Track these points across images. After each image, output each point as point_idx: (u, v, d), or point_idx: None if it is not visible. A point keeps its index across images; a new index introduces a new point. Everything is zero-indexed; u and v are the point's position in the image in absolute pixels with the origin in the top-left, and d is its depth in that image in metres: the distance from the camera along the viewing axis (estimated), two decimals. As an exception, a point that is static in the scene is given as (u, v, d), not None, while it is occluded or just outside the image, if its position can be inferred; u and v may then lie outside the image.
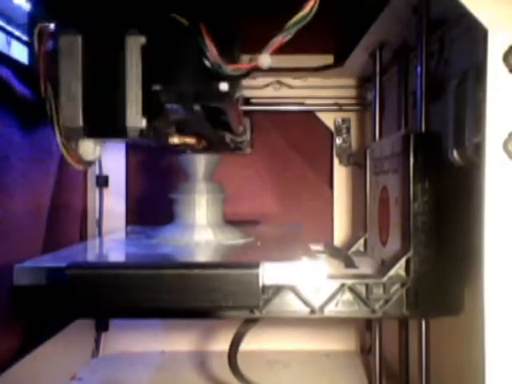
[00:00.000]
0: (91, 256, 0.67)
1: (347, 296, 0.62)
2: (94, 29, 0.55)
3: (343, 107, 1.11)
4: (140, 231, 0.89)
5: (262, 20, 0.63)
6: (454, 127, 0.66)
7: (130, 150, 1.12)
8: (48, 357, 0.86)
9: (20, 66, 0.75)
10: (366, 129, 1.10)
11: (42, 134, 0.84)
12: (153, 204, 1.12)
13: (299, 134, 1.15)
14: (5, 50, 0.71)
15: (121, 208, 1.12)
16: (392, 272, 0.62)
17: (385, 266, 0.66)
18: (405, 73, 0.82)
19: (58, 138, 0.57)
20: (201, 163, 0.78)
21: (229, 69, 0.54)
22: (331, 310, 0.62)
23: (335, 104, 1.11)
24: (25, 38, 0.75)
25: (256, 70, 0.54)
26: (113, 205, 1.10)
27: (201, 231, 0.76)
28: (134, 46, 0.55)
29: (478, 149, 0.53)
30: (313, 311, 0.61)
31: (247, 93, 1.08)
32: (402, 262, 0.62)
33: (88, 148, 0.61)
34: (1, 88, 0.71)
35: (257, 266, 0.55)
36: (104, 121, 0.56)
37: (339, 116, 1.12)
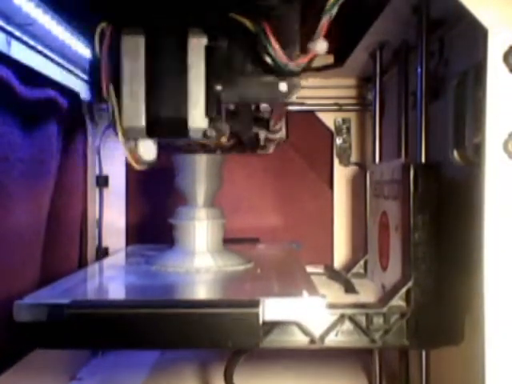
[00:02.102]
0: (91, 289, 0.66)
1: (347, 326, 0.62)
2: (157, 29, 0.55)
3: (343, 107, 1.11)
4: (140, 252, 0.89)
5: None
6: (454, 127, 0.66)
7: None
8: (48, 357, 0.86)
9: (20, 65, 0.75)
10: (366, 129, 1.10)
11: (42, 134, 0.84)
12: (153, 204, 1.12)
13: (299, 134, 1.15)
14: (5, 50, 0.71)
15: (121, 208, 1.12)
16: (392, 302, 0.62)
17: (385, 296, 0.66)
18: (405, 73, 0.82)
19: (120, 138, 0.57)
20: (201, 187, 0.78)
21: (292, 65, 0.54)
22: (331, 339, 0.62)
23: (335, 104, 1.11)
24: (25, 38, 0.75)
25: (313, 60, 0.54)
26: (113, 205, 1.10)
27: (201, 258, 0.76)
28: (197, 46, 0.55)
29: (478, 149, 0.53)
30: (313, 341, 0.61)
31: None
32: (403, 292, 0.62)
33: (147, 148, 0.61)
34: (1, 88, 0.71)
35: (256, 304, 0.54)
36: (167, 121, 0.56)
37: (339, 116, 1.12)
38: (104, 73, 0.56)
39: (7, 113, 0.73)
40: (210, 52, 0.55)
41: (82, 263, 1.02)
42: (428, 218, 0.62)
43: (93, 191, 1.08)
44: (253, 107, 0.62)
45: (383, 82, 0.90)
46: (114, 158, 1.10)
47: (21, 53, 0.75)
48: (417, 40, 0.67)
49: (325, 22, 0.52)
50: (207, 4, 0.56)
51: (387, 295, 0.65)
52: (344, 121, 1.13)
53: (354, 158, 1.13)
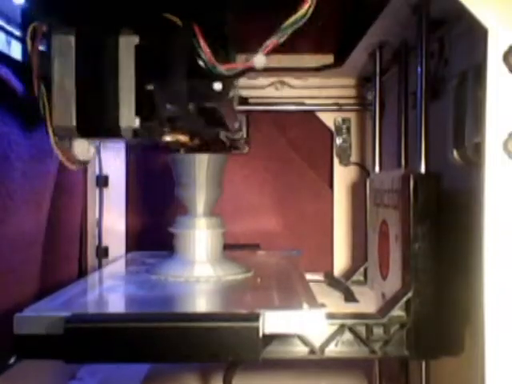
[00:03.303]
0: (91, 300, 0.66)
1: (347, 336, 0.62)
2: (87, 28, 0.55)
3: (343, 107, 1.11)
4: (140, 260, 0.90)
5: (260, 19, 0.63)
6: (454, 127, 0.66)
7: (130, 149, 1.12)
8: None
9: (20, 65, 0.75)
10: (366, 129, 1.10)
11: (42, 134, 0.84)
12: (153, 203, 1.12)
13: (299, 134, 1.15)
14: (5, 50, 0.71)
15: (121, 208, 1.12)
16: (392, 312, 0.62)
17: (385, 306, 0.65)
18: (405, 73, 0.82)
19: (51, 137, 0.57)
20: (201, 197, 0.78)
21: (222, 69, 0.54)
22: (331, 350, 0.61)
23: (335, 104, 1.11)
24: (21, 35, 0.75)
25: (250, 70, 0.54)
26: (113, 205, 1.10)
27: (201, 267, 0.76)
28: (128, 45, 0.54)
29: (478, 149, 0.53)
30: (313, 351, 0.61)
31: (247, 92, 1.08)
32: (403, 302, 0.62)
33: (82, 148, 0.61)
34: (1, 88, 0.71)
35: (256, 318, 0.54)
36: (97, 120, 0.56)
37: (339, 116, 1.12)
38: (35, 71, 0.55)
39: (7, 112, 0.73)
40: (141, 51, 0.55)
41: (82, 263, 1.03)
42: (428, 228, 0.62)
43: (93, 191, 1.08)
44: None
45: (383, 82, 0.90)
46: (114, 158, 1.10)
47: (20, 52, 0.75)
48: (416, 40, 0.67)
49: (273, 41, 0.52)
50: (138, 3, 0.56)
51: (387, 305, 0.65)
52: (344, 121, 1.13)
53: (353, 157, 1.13)
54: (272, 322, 0.55)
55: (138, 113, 0.55)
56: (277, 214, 1.14)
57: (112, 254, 1.10)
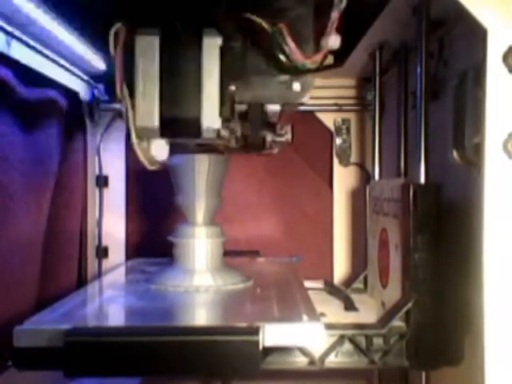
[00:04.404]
0: (90, 312, 0.66)
1: (347, 347, 0.62)
2: (171, 29, 0.55)
3: (343, 107, 1.11)
4: (140, 268, 0.90)
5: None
6: (453, 127, 0.66)
7: (130, 149, 1.11)
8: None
9: (19, 65, 0.75)
10: (365, 129, 1.10)
11: (42, 134, 0.84)
12: (153, 203, 1.12)
13: (299, 134, 1.15)
14: (5, 50, 0.71)
15: (121, 208, 1.12)
16: (392, 323, 0.62)
17: (385, 316, 0.66)
18: (404, 73, 0.82)
19: (133, 138, 0.57)
20: (201, 205, 0.78)
21: (309, 62, 0.53)
22: (331, 360, 0.62)
23: (335, 104, 1.11)
24: (25, 38, 0.75)
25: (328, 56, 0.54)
26: (113, 205, 1.10)
27: (200, 277, 0.76)
28: (212, 46, 0.55)
29: (478, 149, 0.53)
30: (312, 362, 0.61)
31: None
32: (402, 312, 0.62)
33: (160, 148, 0.60)
34: (1, 88, 0.71)
35: (256, 331, 0.54)
36: (180, 121, 0.56)
37: (339, 116, 1.12)
38: (118, 73, 0.56)
39: (7, 113, 0.73)
40: (224, 52, 0.55)
41: (82, 263, 1.02)
42: (428, 238, 0.62)
43: (93, 191, 1.08)
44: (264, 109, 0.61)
45: (383, 83, 0.91)
46: (114, 158, 1.10)
47: (20, 53, 0.75)
48: (416, 40, 0.67)
49: (335, 16, 0.51)
50: (222, 4, 0.56)
51: (387, 316, 0.65)
52: (344, 121, 1.13)
53: (353, 158, 1.13)
54: (272, 334, 0.56)
55: (220, 114, 0.55)
56: (276, 214, 1.14)
57: (112, 254, 1.10)
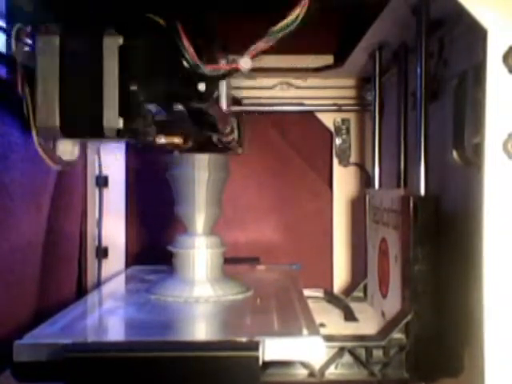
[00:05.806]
0: (90, 325, 0.66)
1: (347, 359, 0.62)
2: (71, 29, 0.55)
3: (343, 108, 1.11)
4: (139, 276, 0.90)
5: (253, 20, 0.63)
6: (453, 127, 0.66)
7: (130, 149, 1.12)
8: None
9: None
10: (365, 129, 1.10)
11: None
12: (153, 204, 1.12)
13: (299, 134, 1.15)
14: (4, 50, 0.71)
15: (120, 208, 1.12)
16: (392, 335, 0.62)
17: (384, 328, 0.66)
18: (404, 73, 0.82)
19: (35, 138, 0.57)
20: (201, 216, 0.78)
21: (207, 69, 0.53)
22: (331, 372, 0.62)
23: (335, 104, 1.11)
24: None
25: (236, 72, 0.53)
26: (113, 205, 1.10)
27: (200, 287, 0.76)
28: (112, 46, 0.54)
29: (478, 149, 0.54)
30: (312, 374, 0.61)
31: (247, 92, 1.08)
32: (402, 324, 0.62)
33: (66, 148, 0.60)
34: (1, 88, 0.71)
35: (256, 346, 0.53)
36: (81, 121, 0.55)
37: (339, 116, 1.12)
38: (19, 72, 0.55)
39: (7, 112, 0.73)
40: (124, 52, 0.54)
41: (82, 263, 1.02)
42: (428, 250, 0.62)
43: (93, 191, 1.08)
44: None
45: (383, 83, 0.91)
46: (114, 158, 1.10)
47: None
48: (416, 41, 0.67)
49: (261, 44, 0.51)
50: (122, 4, 0.56)
51: (386, 328, 0.65)
52: (343, 121, 1.13)
53: (353, 158, 1.13)
54: (272, 349, 0.55)
55: (121, 113, 0.55)
56: (276, 215, 1.14)
57: (112, 254, 1.10)
